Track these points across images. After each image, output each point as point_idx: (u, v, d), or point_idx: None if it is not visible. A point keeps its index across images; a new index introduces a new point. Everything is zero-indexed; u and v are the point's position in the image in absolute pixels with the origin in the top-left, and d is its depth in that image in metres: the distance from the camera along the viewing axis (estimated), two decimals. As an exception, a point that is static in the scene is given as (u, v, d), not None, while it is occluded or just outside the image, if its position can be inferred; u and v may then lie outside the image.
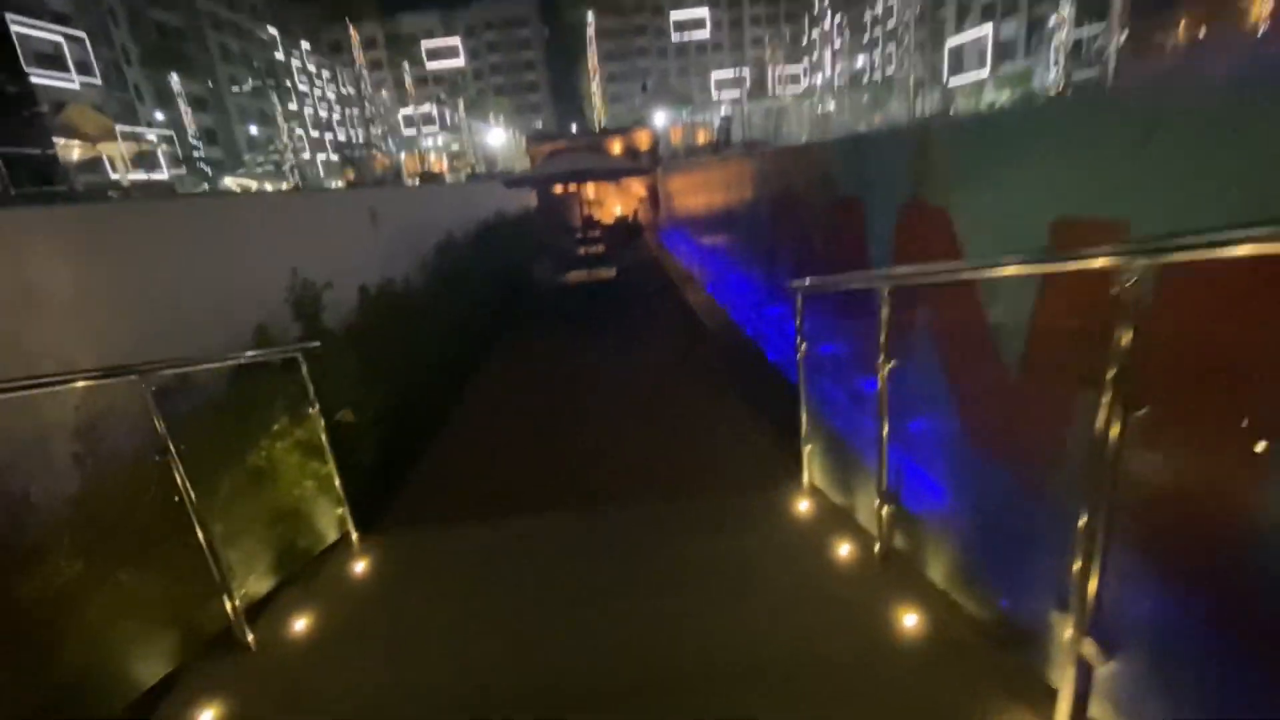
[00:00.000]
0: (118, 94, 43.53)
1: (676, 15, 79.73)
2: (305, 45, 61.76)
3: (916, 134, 3.74)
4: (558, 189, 19.57)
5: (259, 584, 2.80)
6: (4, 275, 2.33)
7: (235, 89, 53.18)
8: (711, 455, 4.21)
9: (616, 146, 19.14)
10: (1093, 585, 1.40)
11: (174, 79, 43.24)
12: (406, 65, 59.68)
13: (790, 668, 2.13)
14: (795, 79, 65.52)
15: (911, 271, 2.55)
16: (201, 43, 50.95)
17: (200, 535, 2.31)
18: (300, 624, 2.67)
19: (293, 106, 57.38)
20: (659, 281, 10.78)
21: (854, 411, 4.15)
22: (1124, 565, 1.43)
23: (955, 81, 45.34)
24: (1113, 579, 1.39)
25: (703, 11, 79.63)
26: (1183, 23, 25.38)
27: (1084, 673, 1.48)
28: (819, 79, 64.24)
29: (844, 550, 2.77)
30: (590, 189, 21.59)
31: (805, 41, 69.84)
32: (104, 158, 33.93)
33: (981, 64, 42.73)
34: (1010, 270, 1.90)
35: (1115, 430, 1.32)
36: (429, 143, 54.10)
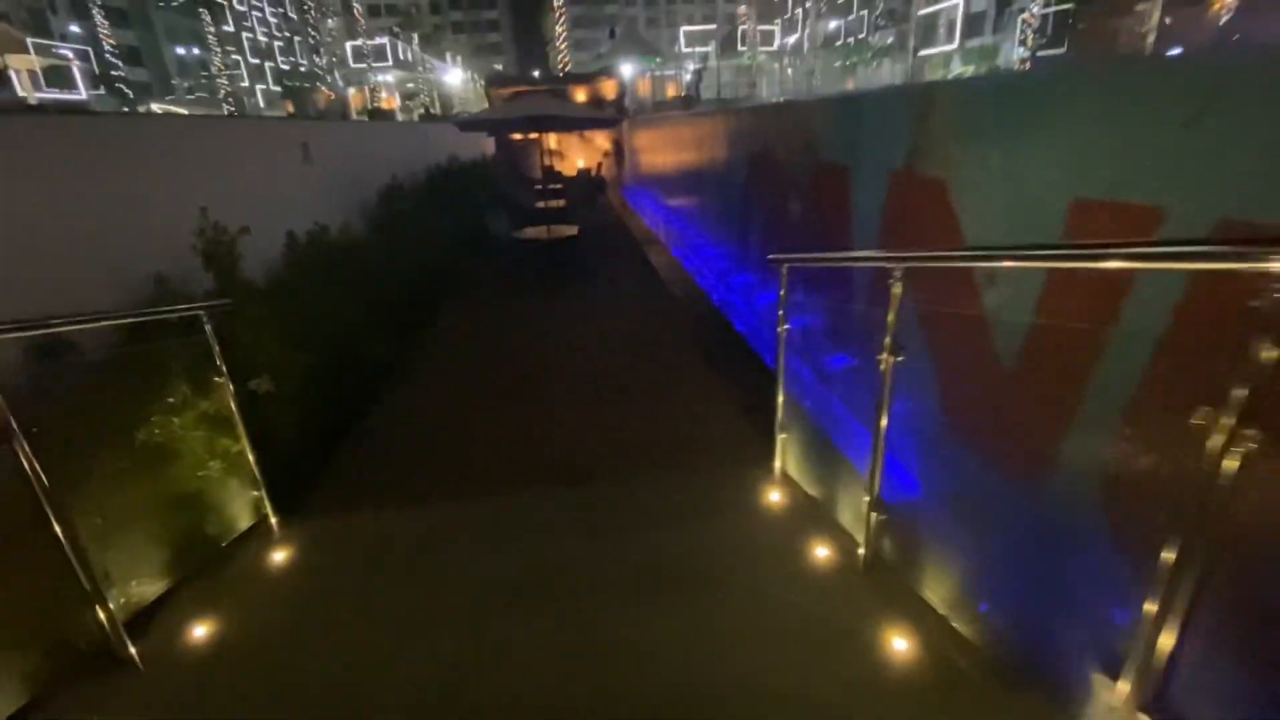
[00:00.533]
0: (28, 1, 38.91)
1: (648, -40, 76.29)
2: (243, -39, 56.27)
3: (916, 95, 3.43)
4: (517, 136, 18.55)
5: (148, 586, 2.38)
6: None
7: (162, 3, 48.29)
8: (675, 433, 3.93)
9: (581, 94, 18.18)
10: (1164, 647, 1.16)
11: (86, -15, 38.87)
12: (357, -8, 55.24)
13: (756, 699, 1.89)
14: (768, 38, 64.00)
15: (940, 254, 2.23)
16: (121, -55, 45.76)
17: (58, 530, 1.88)
18: (200, 631, 2.29)
19: (229, 28, 52.59)
20: (622, 241, 10.32)
21: (835, 400, 3.93)
22: (1213, 634, 1.20)
23: (924, 52, 45.12)
24: (1195, 648, 1.16)
25: (675, -42, 76.40)
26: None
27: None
28: (791, 40, 63.06)
29: (821, 553, 2.54)
30: (552, 139, 20.54)
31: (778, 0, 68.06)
32: (9, 72, 30.42)
33: (950, 37, 42.54)
34: (1112, 265, 1.59)
35: (1229, 464, 1.06)
36: (380, 78, 50.63)
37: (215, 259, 3.38)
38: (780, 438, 3.15)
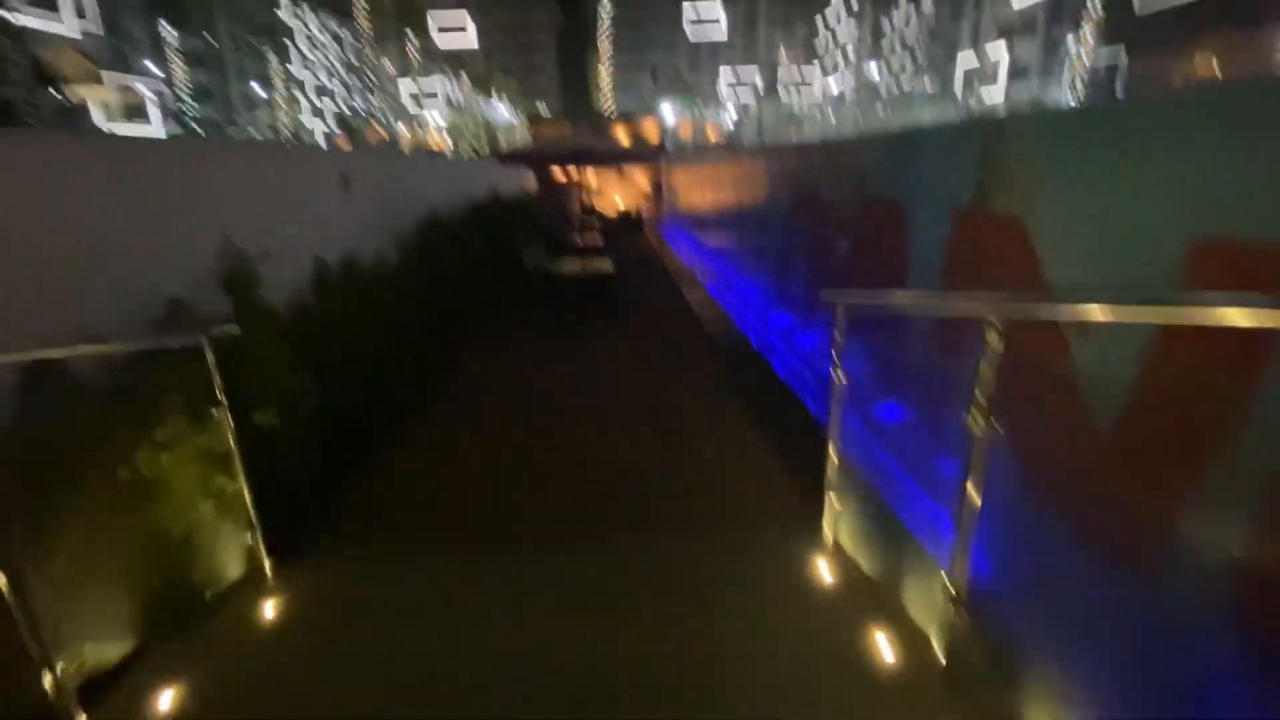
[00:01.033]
0: (115, 42, 42.13)
1: (691, 12, 78.66)
2: (310, 10, 60.17)
3: (983, 129, 3.13)
4: (558, 175, 18.84)
5: (113, 646, 2.13)
6: None
7: (236, 48, 51.69)
8: (709, 488, 3.57)
9: (622, 134, 18.42)
10: None
11: (164, 26, 41.85)
12: (413, 36, 58.25)
13: None
14: (808, 84, 64.81)
15: (1054, 299, 1.87)
16: (204, -3, 49.43)
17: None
18: (167, 698, 2.02)
19: (294, 70, 55.88)
20: (659, 279, 10.13)
21: (893, 462, 3.53)
22: None
23: (969, 98, 44.93)
24: None
25: (717, 10, 78.62)
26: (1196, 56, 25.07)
27: None
28: (831, 86, 63.74)
29: (888, 654, 2.14)
30: (592, 178, 20.88)
31: (819, 48, 69.15)
32: (89, 105, 32.68)
33: (994, 81, 42.27)
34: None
35: None
36: (431, 117, 52.83)
37: (234, 284, 3.23)
38: (831, 501, 2.78)
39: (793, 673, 2.12)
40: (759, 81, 65.48)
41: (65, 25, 36.20)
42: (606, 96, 44.38)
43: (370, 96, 59.89)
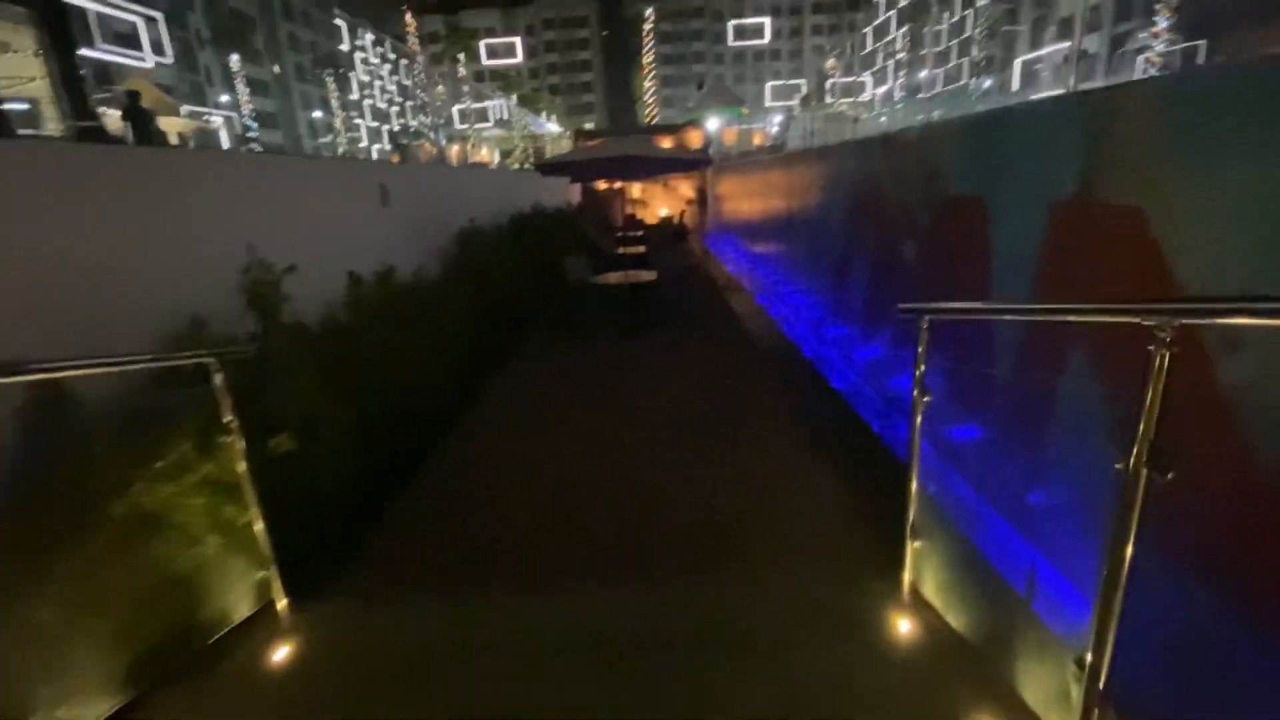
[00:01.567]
0: (189, 75, 44.98)
1: (736, 21, 78.54)
2: (370, 37, 62.92)
3: (1089, 102, 2.69)
4: (601, 186, 18.77)
5: (97, 704, 1.92)
6: None
7: (300, 77, 54.46)
8: (769, 524, 3.18)
9: (667, 144, 18.23)
10: None
11: (233, 60, 44.45)
12: (464, 59, 60.08)
13: None
14: (856, 89, 63.57)
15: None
16: (271, 29, 52.31)
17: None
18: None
19: (354, 96, 58.42)
20: (704, 288, 9.77)
21: (993, 502, 3.06)
22: None
23: (1032, 97, 42.91)
24: None
25: (763, 19, 78.24)
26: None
27: None
28: (881, 90, 62.26)
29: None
30: (635, 188, 20.74)
31: (867, 52, 67.82)
32: (167, 135, 34.72)
33: (1057, 81, 40.23)
34: None
35: None
36: (480, 133, 54.28)
37: (259, 299, 3.08)
38: (912, 545, 2.36)
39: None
40: (804, 88, 64.61)
41: (149, 61, 39.04)
42: (651, 109, 44.57)
43: (422, 116, 61.98)
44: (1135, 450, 1.21)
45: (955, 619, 2.27)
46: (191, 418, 2.32)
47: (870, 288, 5.49)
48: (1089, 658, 1.40)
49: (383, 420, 3.55)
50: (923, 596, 2.40)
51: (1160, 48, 25.74)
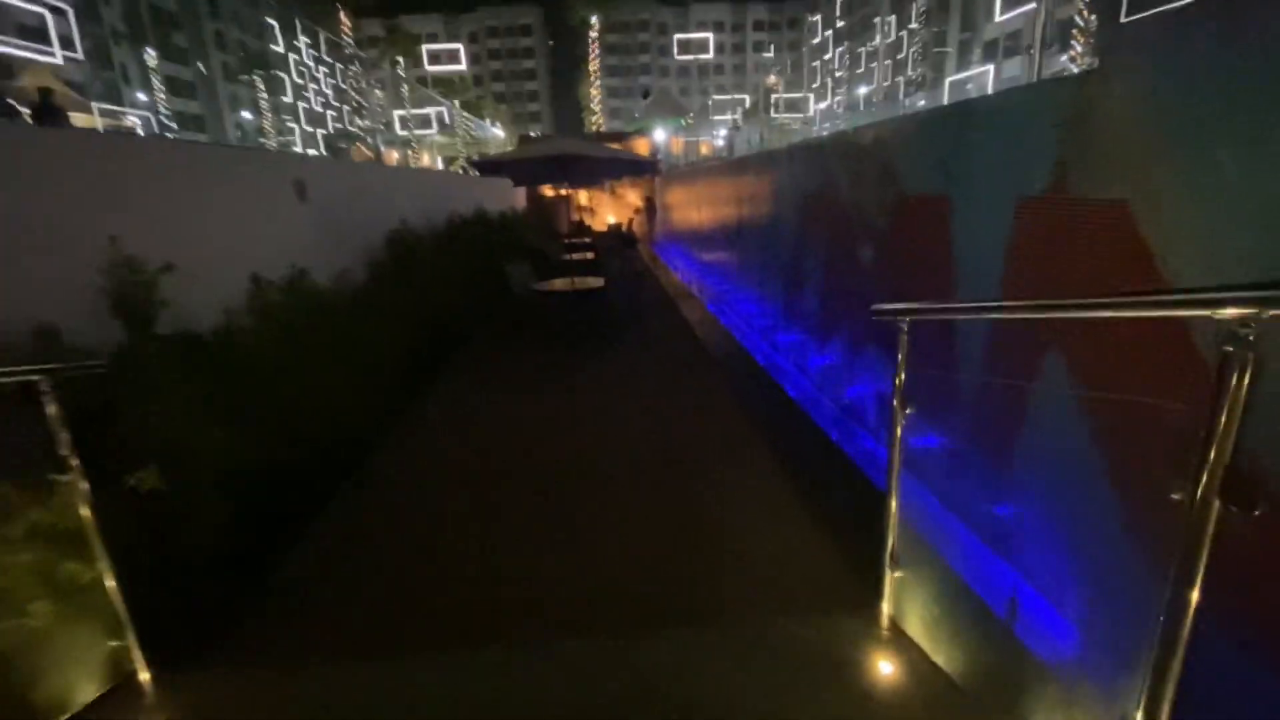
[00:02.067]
0: (104, 73, 41.96)
1: (680, 36, 79.80)
2: (305, 39, 60.55)
3: (1063, 90, 2.53)
4: (548, 192, 18.34)
5: None
6: None
7: (228, 77, 51.75)
8: (720, 549, 2.88)
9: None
10: None
11: (149, 57, 41.85)
12: (404, 64, 58.47)
13: None
14: (800, 104, 65.51)
15: None
16: (196, 28, 49.57)
17: None
18: None
19: (287, 99, 55.94)
20: (654, 295, 9.51)
21: (961, 526, 2.84)
22: None
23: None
24: None
25: (707, 34, 79.77)
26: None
27: None
28: (821, 105, 64.37)
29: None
30: (583, 196, 20.40)
31: (806, 69, 70.05)
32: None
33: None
34: None
35: None
36: (420, 138, 52.82)
37: (126, 304, 2.58)
38: (892, 575, 2.10)
39: None
40: (748, 102, 66.08)
41: (57, 57, 36.23)
42: (598, 118, 44.46)
43: (359, 120, 59.88)
44: (1204, 478, 0.96)
45: (941, 655, 2.01)
46: (11, 450, 1.83)
47: (823, 294, 5.33)
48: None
49: (283, 448, 3.06)
50: (904, 631, 2.14)
51: (1076, 70, 27.40)
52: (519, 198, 16.82)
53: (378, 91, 65.56)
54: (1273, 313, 0.86)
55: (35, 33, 36.56)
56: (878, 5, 54.63)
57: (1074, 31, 27.67)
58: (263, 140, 50.98)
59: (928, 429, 3.00)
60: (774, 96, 61.58)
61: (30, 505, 1.85)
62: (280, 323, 3.73)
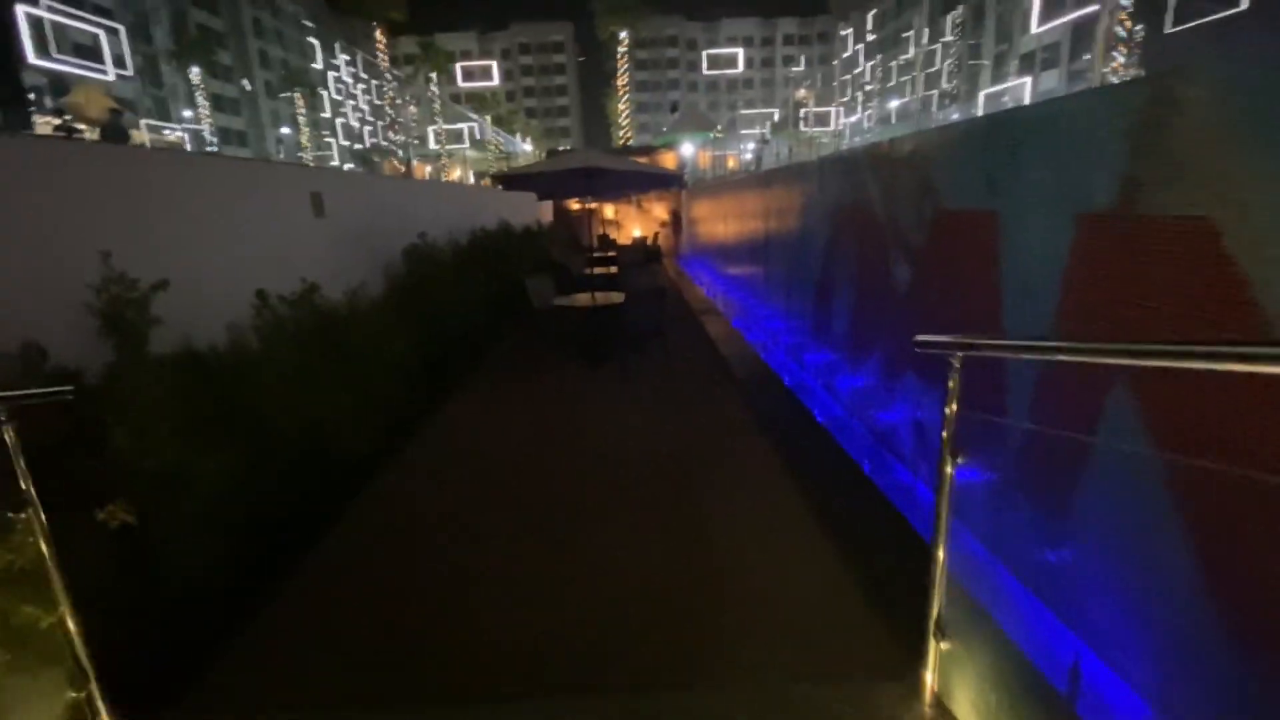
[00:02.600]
0: (153, 91, 43.77)
1: (710, 51, 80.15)
2: (344, 57, 62.45)
3: (1134, 94, 2.26)
4: (574, 206, 18.34)
5: None
6: None
7: (270, 94, 53.61)
8: (749, 594, 2.62)
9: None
10: None
11: (194, 75, 43.52)
12: (437, 80, 59.77)
13: None
14: (825, 119, 65.05)
15: None
16: (241, 47, 51.46)
17: None
18: None
19: (325, 114, 57.63)
20: (677, 311, 9.29)
21: (1025, 594, 2.53)
22: None
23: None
24: None
25: (737, 50, 79.97)
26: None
27: None
28: (851, 119, 63.82)
29: None
30: (609, 210, 20.37)
31: (837, 83, 69.65)
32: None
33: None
34: None
35: None
36: (455, 156, 53.81)
37: (118, 323, 2.46)
38: (938, 646, 1.83)
39: None
40: (777, 116, 65.86)
41: (109, 74, 37.92)
42: (626, 132, 44.74)
43: (392, 135, 61.28)
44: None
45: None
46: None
47: (855, 315, 5.05)
48: None
49: (282, 474, 2.91)
50: (949, 709, 1.86)
51: (1117, 81, 26.56)
52: (545, 212, 16.83)
53: (412, 107, 67.13)
54: None
55: (89, 51, 38.31)
56: (910, 18, 54.11)
57: (1116, 42, 26.85)
58: (301, 155, 52.50)
59: (973, 469, 2.71)
60: (803, 110, 61.26)
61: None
62: (285, 340, 3.61)
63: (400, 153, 57.56)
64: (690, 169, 24.56)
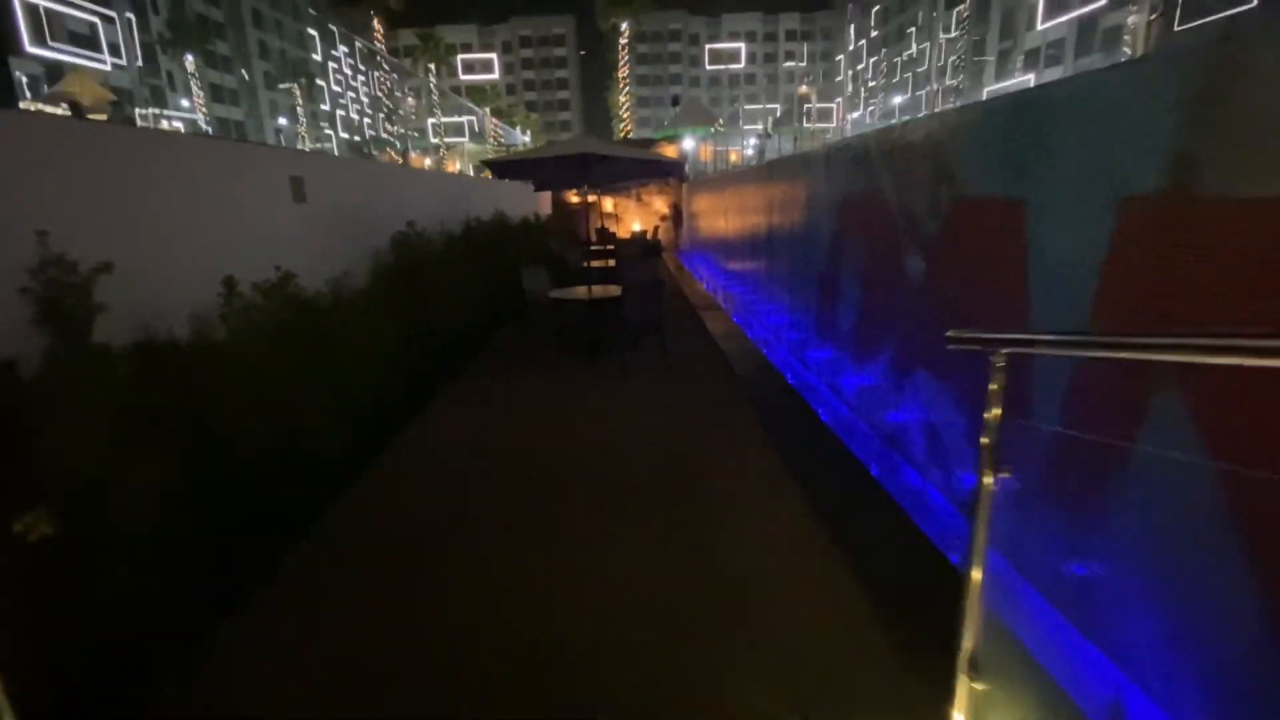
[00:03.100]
0: (150, 80, 43.34)
1: (712, 46, 79.54)
2: (343, 48, 61.97)
3: (1188, 60, 2.02)
4: (573, 198, 18.06)
5: None
6: None
7: (269, 84, 53.24)
8: (751, 614, 2.38)
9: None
10: None
11: (189, 64, 43.14)
12: (436, 72, 59.27)
13: None
14: (828, 115, 64.68)
15: None
16: (240, 36, 51.01)
17: None
18: None
19: (325, 106, 57.18)
20: (677, 306, 9.04)
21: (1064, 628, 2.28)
22: None
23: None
24: None
25: (739, 44, 79.34)
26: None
27: None
28: (854, 115, 63.45)
29: None
30: (608, 203, 20.09)
31: (838, 79, 69.20)
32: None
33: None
34: None
35: None
36: (455, 148, 53.43)
37: (55, 309, 2.22)
38: (971, 685, 1.60)
39: None
40: (779, 111, 65.50)
41: (106, 63, 37.49)
42: (626, 125, 44.37)
43: (390, 126, 60.80)
44: None
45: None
46: None
47: (863, 310, 4.81)
48: None
49: (248, 476, 2.67)
50: (982, 757, 1.63)
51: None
52: (544, 204, 16.56)
53: (410, 99, 66.66)
54: None
55: (85, 40, 37.87)
56: (913, 14, 53.70)
57: (1125, 37, 26.55)
58: (299, 146, 52.13)
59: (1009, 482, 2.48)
60: (806, 106, 60.83)
61: None
62: (255, 331, 3.36)
63: (398, 144, 57.21)
64: (691, 163, 24.27)
